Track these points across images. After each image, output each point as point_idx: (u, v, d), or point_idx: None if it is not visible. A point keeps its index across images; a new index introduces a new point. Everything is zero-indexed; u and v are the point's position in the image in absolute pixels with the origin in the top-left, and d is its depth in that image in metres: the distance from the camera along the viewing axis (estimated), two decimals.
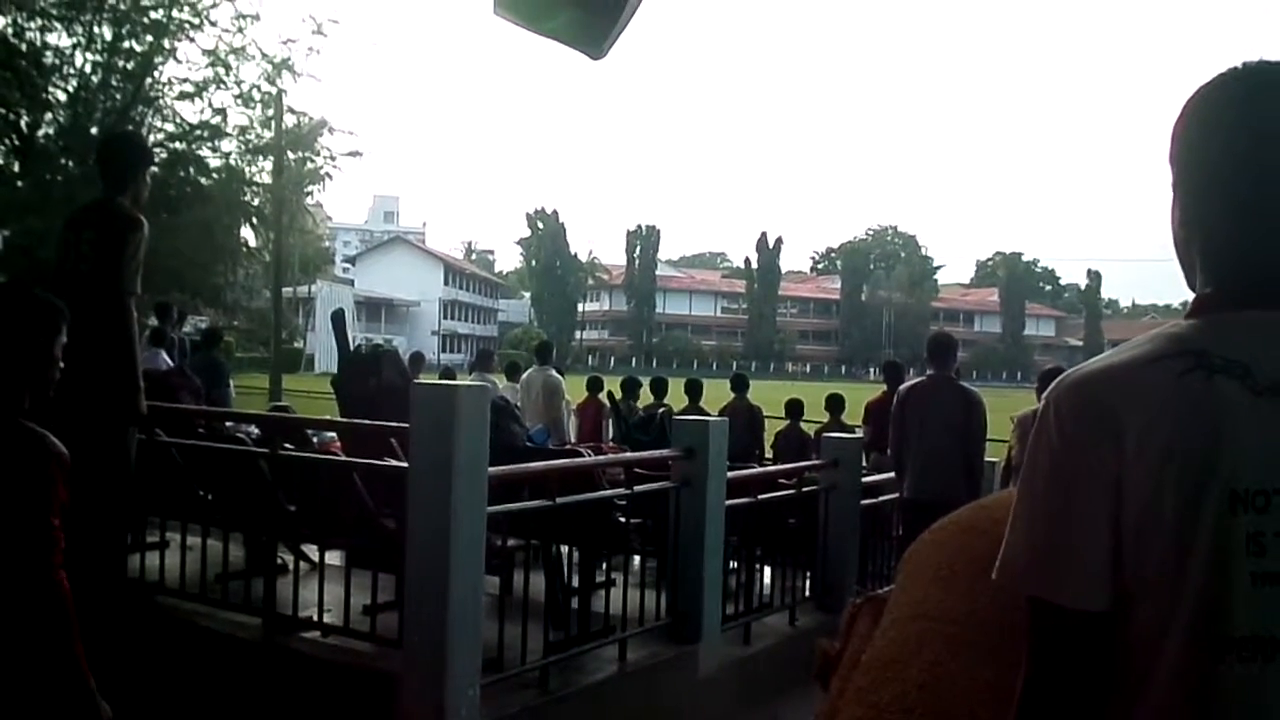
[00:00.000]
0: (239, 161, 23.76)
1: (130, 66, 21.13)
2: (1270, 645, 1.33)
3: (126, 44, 20.93)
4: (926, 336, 9.50)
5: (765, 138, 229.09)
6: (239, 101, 22.25)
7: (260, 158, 24.33)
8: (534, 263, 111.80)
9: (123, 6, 20.62)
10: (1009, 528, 1.47)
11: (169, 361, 11.27)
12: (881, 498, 8.69)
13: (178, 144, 22.23)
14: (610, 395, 12.88)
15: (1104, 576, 1.40)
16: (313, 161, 27.04)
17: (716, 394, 14.14)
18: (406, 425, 4.78)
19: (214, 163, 23.28)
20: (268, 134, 24.17)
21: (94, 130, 20.25)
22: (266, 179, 25.47)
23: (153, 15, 20.84)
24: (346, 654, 5.27)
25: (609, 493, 6.27)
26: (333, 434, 8.25)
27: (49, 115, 20.92)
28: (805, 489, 7.78)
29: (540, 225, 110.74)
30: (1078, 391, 1.45)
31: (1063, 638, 1.42)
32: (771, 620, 7.29)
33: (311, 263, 79.38)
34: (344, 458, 6.29)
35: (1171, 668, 1.36)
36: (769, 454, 12.75)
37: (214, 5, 21.04)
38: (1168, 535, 1.36)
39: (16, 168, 20.70)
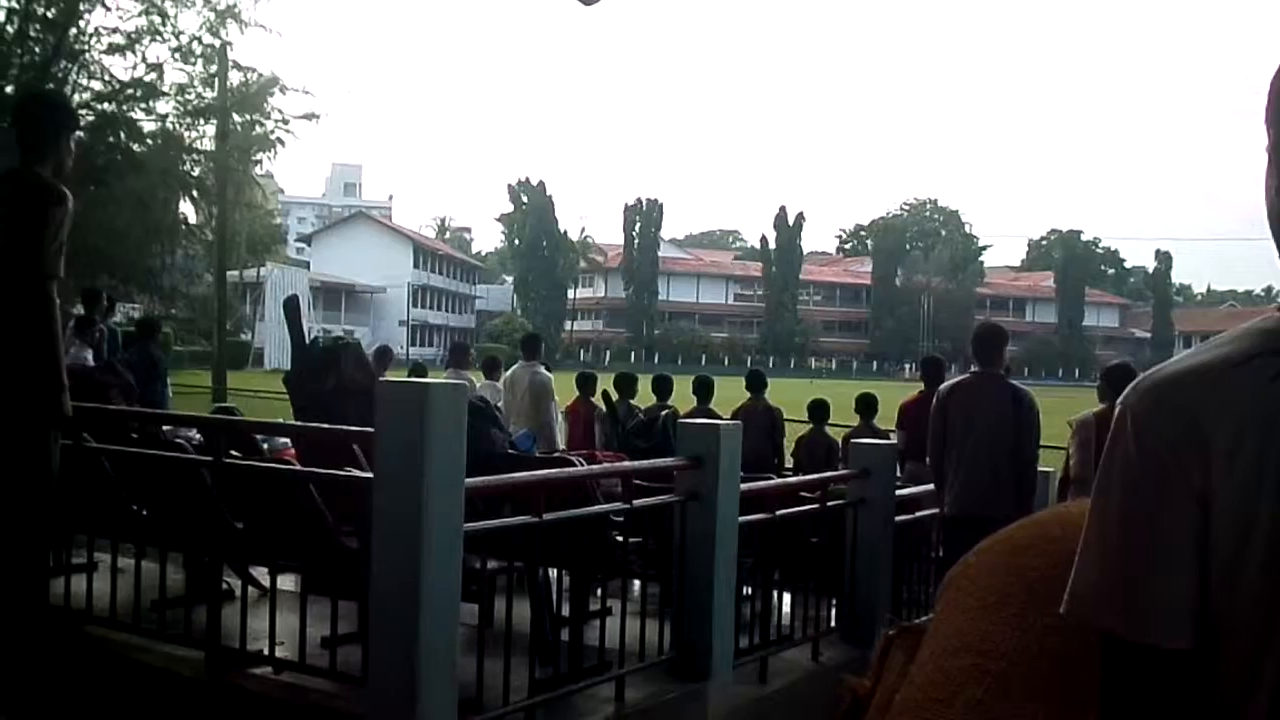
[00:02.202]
0: (177, 125, 23.79)
1: (51, 15, 21.10)
2: None
3: None
4: (971, 327, 9.50)
5: (785, 100, 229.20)
6: (177, 56, 22.28)
7: (201, 121, 24.34)
8: (517, 242, 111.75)
9: None
10: (1079, 554, 1.46)
11: (88, 359, 11.26)
12: (919, 513, 8.69)
13: (106, 105, 22.23)
14: (605, 395, 12.87)
15: (1189, 610, 1.39)
16: (262, 125, 27.04)
17: (729, 394, 14.14)
18: (371, 430, 4.78)
19: (148, 126, 23.31)
20: (210, 93, 24.17)
21: (9, 89, 20.24)
22: (209, 145, 25.47)
23: None
24: (302, 693, 5.27)
25: (604, 508, 6.27)
26: (286, 440, 8.25)
27: None
28: (831, 503, 7.79)
29: (525, 199, 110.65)
30: (1157, 397, 1.43)
31: (1141, 680, 1.41)
32: (792, 655, 7.30)
33: (261, 242, 79.40)
34: (299, 467, 6.29)
35: (1268, 712, 1.35)
36: (789, 463, 12.75)
37: None
38: (1263, 561, 1.35)
39: None
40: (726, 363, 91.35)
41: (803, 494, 7.96)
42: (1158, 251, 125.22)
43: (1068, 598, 1.46)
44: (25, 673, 5.67)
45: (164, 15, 21.59)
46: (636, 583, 7.55)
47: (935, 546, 8.93)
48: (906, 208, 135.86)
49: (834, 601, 7.97)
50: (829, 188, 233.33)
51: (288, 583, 6.13)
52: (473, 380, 13.11)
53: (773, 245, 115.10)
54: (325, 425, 6.06)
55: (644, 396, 13.29)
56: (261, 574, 6.24)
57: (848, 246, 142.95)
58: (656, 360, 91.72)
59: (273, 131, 27.05)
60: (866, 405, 12.73)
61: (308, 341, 8.04)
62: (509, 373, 13.28)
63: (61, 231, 5.52)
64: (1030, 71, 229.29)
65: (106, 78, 22.40)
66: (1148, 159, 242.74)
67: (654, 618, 6.29)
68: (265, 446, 7.99)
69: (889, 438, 11.27)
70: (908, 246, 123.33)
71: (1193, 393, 1.41)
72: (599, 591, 6.80)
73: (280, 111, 25.96)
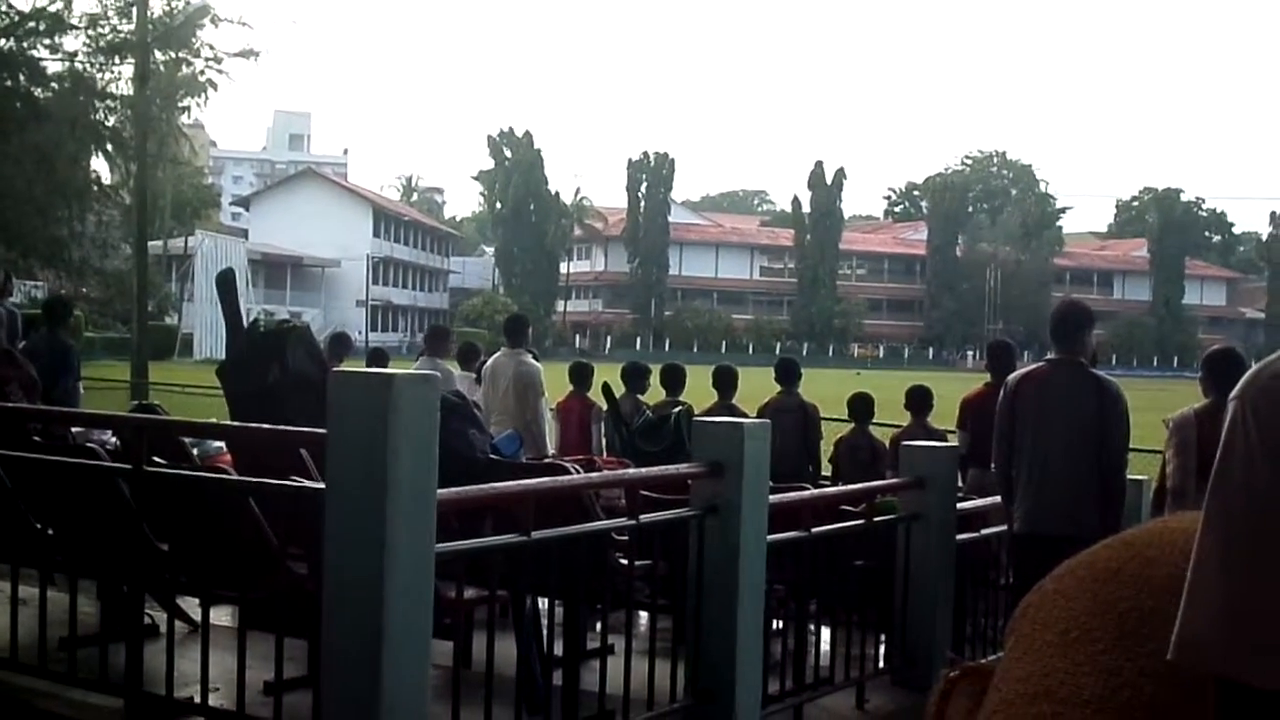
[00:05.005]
0: (88, 65, 23.77)
1: None
2: None
3: None
4: (1048, 306, 9.49)
5: (821, 34, 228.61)
6: None
7: (117, 59, 24.34)
8: (499, 205, 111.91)
9: None
10: (1189, 583, 1.44)
11: None
12: (985, 531, 8.69)
13: (1, 41, 22.20)
14: (605, 388, 12.88)
15: None
16: (190, 64, 27.07)
17: (754, 387, 14.13)
18: (322, 431, 4.78)
19: (53, 67, 23.33)
20: (127, 25, 24.18)
21: None
22: (126, 89, 25.46)
23: None
24: None
25: (605, 524, 6.27)
26: (220, 444, 8.26)
27: None
28: (878, 519, 7.79)
29: (508, 153, 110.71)
30: None
31: None
32: (832, 701, 7.30)
33: (189, 206, 79.49)
34: (236, 476, 6.29)
35: None
36: (827, 470, 12.75)
37: None
38: None
39: None
40: (751, 350, 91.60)
41: (844, 507, 7.96)
42: (1274, 214, 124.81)
43: (1177, 639, 1.44)
44: None
45: None
46: (644, 615, 7.55)
47: (1005, 571, 8.92)
48: (969, 162, 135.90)
49: (882, 638, 7.98)
50: (875, 139, 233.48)
51: (223, 616, 6.13)
52: (451, 371, 13.12)
53: (807, 208, 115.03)
54: (268, 426, 6.05)
55: (652, 391, 13.29)
56: (191, 606, 6.25)
57: (898, 209, 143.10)
58: (667, 347, 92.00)
59: (203, 72, 27.11)
60: (920, 400, 12.73)
61: (246, 325, 8.05)
62: (490, 362, 13.27)
63: None
64: None
65: (3, 7, 22.39)
66: (1261, 102, 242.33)
67: (665, 657, 6.30)
68: (195, 452, 7.99)
69: (948, 439, 11.26)
70: (970, 209, 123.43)
71: None
72: (599, 625, 6.80)
73: (212, 48, 26.01)
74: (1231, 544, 1.41)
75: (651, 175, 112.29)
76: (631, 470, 8.16)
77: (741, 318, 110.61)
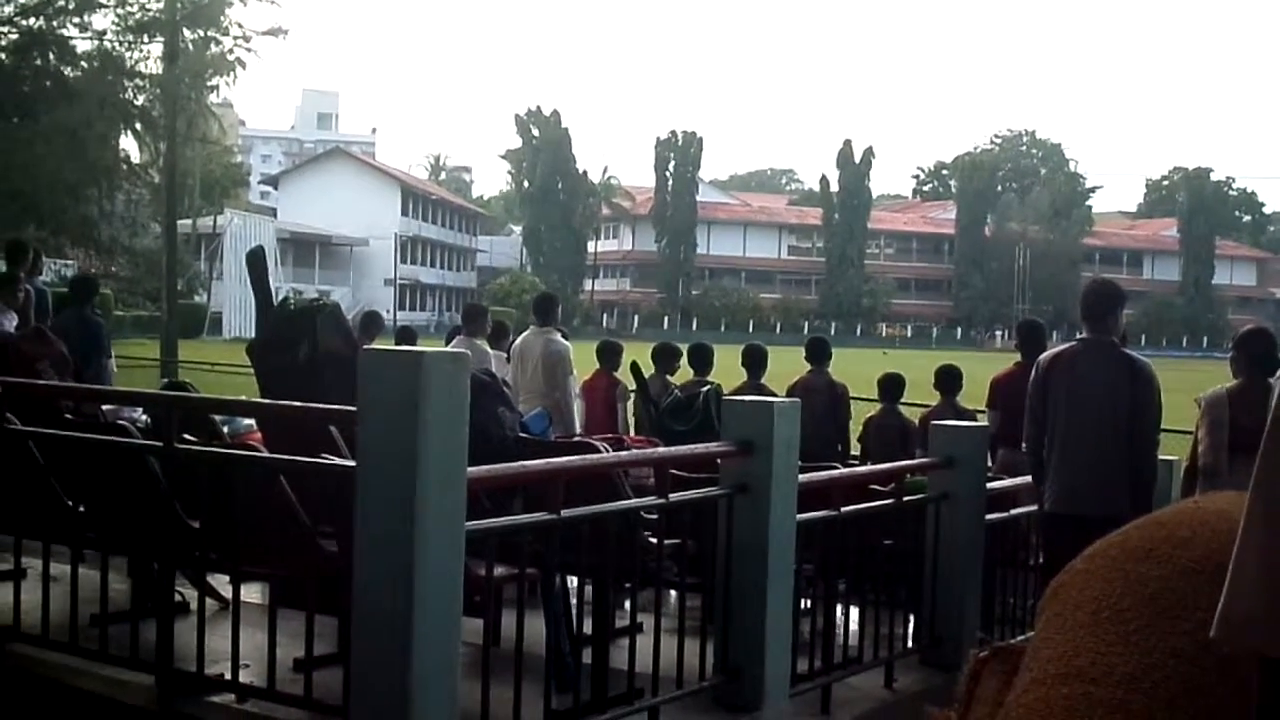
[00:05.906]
0: (117, 44, 23.78)
1: None
2: None
3: None
4: (1077, 285, 9.45)
5: (849, 11, 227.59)
6: None
7: (146, 38, 24.35)
8: (526, 184, 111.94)
9: None
10: (1232, 566, 1.43)
11: (10, 325, 11.29)
12: (1015, 511, 8.67)
13: (31, 20, 22.23)
14: (634, 367, 12.88)
15: None
16: (218, 43, 27.06)
17: (783, 366, 14.11)
18: (353, 409, 4.79)
19: (82, 46, 23.34)
20: (156, 4, 24.18)
21: None
22: (155, 68, 25.49)
23: None
24: None
25: (634, 503, 6.27)
26: (250, 421, 8.28)
27: None
28: (907, 499, 7.77)
29: (535, 132, 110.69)
30: None
31: None
32: (860, 681, 7.30)
33: (218, 185, 79.67)
34: (266, 454, 6.31)
35: None
36: (856, 449, 12.73)
37: None
38: None
39: None
40: (779, 329, 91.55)
41: (873, 487, 7.94)
42: None
43: (1219, 618, 1.43)
44: None
45: None
46: (673, 594, 7.55)
47: (1035, 551, 8.90)
48: (998, 141, 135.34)
49: (911, 617, 7.97)
50: (903, 118, 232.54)
51: (253, 593, 6.15)
52: (485, 350, 13.12)
53: (835, 187, 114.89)
54: (298, 404, 6.07)
55: (680, 370, 13.29)
56: (222, 583, 6.27)
57: (926, 189, 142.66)
58: (694, 326, 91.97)
59: (231, 51, 27.07)
60: (950, 380, 12.69)
61: (276, 303, 8.06)
62: (518, 341, 13.27)
63: None
64: None
65: None
66: None
67: (694, 636, 6.30)
68: (225, 429, 8.02)
69: (977, 419, 11.23)
70: (999, 188, 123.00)
71: None
72: (628, 604, 6.81)
73: (240, 26, 25.97)
74: (1275, 524, 1.40)
75: (679, 154, 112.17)
76: (661, 449, 8.16)
77: (769, 297, 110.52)
